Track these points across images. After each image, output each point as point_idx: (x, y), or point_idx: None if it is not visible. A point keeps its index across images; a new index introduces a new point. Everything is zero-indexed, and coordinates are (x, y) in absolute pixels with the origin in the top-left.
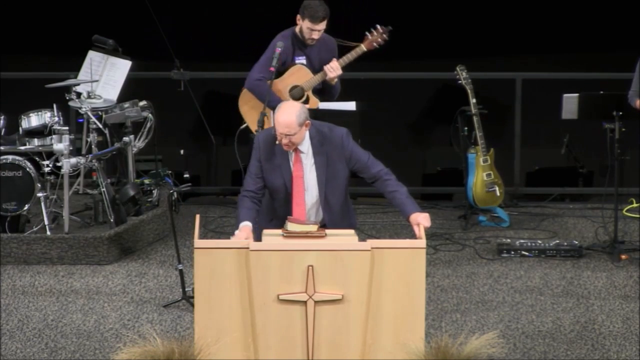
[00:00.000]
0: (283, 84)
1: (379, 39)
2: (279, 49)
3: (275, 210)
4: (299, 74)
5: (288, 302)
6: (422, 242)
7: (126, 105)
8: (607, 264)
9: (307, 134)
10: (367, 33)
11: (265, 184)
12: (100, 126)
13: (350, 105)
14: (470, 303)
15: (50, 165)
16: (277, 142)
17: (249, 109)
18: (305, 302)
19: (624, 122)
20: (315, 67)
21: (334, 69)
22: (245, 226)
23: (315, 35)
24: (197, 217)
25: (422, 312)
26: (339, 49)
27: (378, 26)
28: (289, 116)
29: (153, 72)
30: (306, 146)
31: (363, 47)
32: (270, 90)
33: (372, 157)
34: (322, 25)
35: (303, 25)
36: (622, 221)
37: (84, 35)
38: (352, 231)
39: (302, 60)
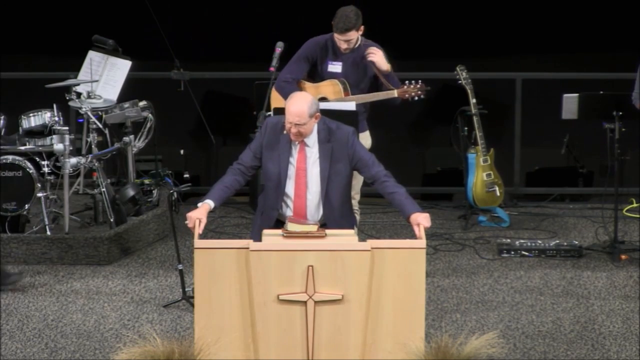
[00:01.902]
0: (315, 91)
1: (413, 93)
2: (279, 49)
3: (264, 201)
4: (333, 89)
5: (288, 302)
6: (422, 242)
7: (126, 105)
8: (607, 264)
9: (315, 127)
10: (406, 82)
11: (259, 166)
12: (100, 126)
13: (350, 105)
14: (470, 303)
15: (50, 165)
16: (284, 132)
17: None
18: (305, 302)
19: (624, 122)
20: (349, 75)
21: (373, 52)
22: (205, 204)
23: (343, 45)
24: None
25: (422, 312)
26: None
27: (420, 81)
28: (300, 106)
29: (153, 72)
30: (312, 140)
31: (394, 93)
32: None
33: (374, 158)
34: (348, 37)
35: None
36: (622, 221)
37: (84, 35)
38: (352, 231)
39: (337, 65)
